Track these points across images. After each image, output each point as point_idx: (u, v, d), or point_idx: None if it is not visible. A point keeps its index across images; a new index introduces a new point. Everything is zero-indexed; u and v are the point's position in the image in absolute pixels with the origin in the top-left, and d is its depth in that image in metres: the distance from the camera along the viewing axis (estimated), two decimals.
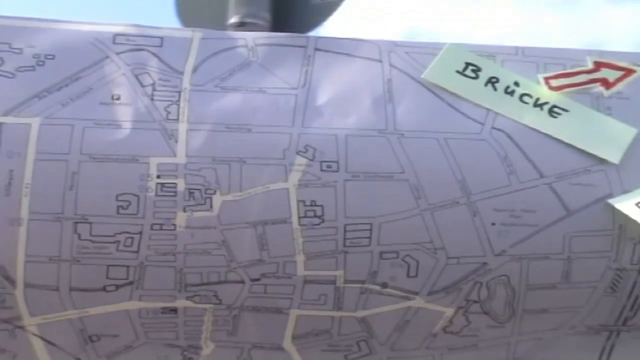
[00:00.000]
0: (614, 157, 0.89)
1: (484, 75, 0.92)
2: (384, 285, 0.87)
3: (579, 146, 0.90)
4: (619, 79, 0.93)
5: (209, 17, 1.73)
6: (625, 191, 0.90)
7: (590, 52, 0.94)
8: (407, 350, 0.92)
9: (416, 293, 0.88)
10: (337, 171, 0.86)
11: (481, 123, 0.90)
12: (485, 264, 0.88)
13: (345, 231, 0.86)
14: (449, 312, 0.90)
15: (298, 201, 0.85)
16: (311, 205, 0.86)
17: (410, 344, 0.92)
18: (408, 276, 0.87)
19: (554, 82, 0.91)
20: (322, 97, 0.90)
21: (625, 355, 0.96)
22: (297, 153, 0.86)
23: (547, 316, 0.92)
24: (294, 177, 0.85)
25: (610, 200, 0.88)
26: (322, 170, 0.86)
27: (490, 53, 0.94)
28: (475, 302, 0.90)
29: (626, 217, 0.86)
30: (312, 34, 1.53)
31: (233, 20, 1.55)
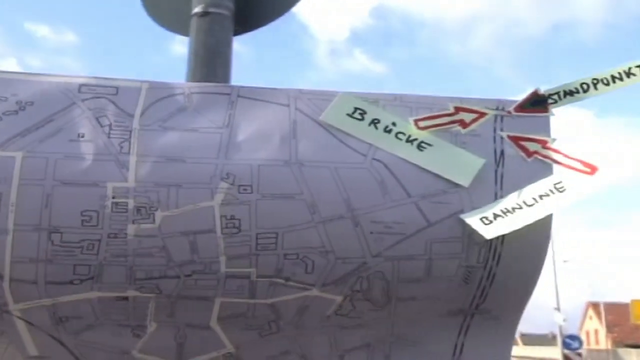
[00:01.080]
0: (465, 181, 1.18)
1: (368, 117, 1.21)
2: (287, 279, 1.16)
3: (439, 173, 1.19)
4: (473, 120, 1.23)
5: (174, 7, 1.77)
6: (474, 208, 1.19)
7: (452, 99, 1.23)
8: (307, 328, 1.20)
9: (312, 285, 1.16)
10: (251, 193, 1.14)
11: (364, 155, 1.18)
12: (365, 263, 1.17)
13: (257, 238, 1.14)
14: (339, 299, 1.18)
15: (221, 216, 1.13)
16: (231, 219, 1.13)
17: (310, 324, 1.20)
18: (306, 272, 1.15)
19: (422, 123, 1.20)
20: (242, 135, 1.18)
21: (478, 332, 1.26)
22: (221, 179, 1.14)
23: (416, 302, 1.21)
24: (218, 198, 1.13)
25: (462, 215, 1.17)
26: (239, 192, 1.14)
27: (375, 99, 1.22)
28: (358, 291, 1.18)
29: (472, 228, 1.15)
30: (280, 20, 1.68)
31: (197, 9, 1.57)
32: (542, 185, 1.20)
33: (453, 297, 1.22)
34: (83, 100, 1.17)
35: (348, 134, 1.20)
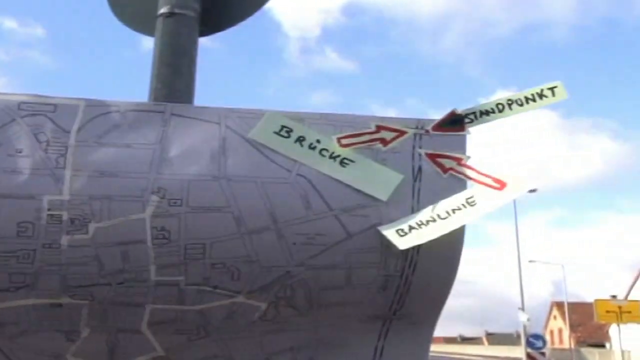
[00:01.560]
0: (384, 196, 1.27)
1: (294, 135, 1.29)
2: (215, 286, 1.23)
3: (360, 188, 1.28)
4: (394, 138, 1.32)
5: (140, 8, 1.78)
6: (391, 220, 1.28)
7: (374, 119, 1.32)
8: (234, 333, 1.29)
9: (238, 292, 1.24)
10: (181, 206, 1.21)
11: (289, 170, 1.27)
12: (288, 271, 1.25)
13: (185, 249, 1.21)
14: (264, 305, 1.26)
15: (152, 227, 1.20)
16: (161, 230, 1.21)
17: (237, 329, 1.28)
18: (232, 280, 1.23)
19: (344, 141, 1.29)
20: (174, 151, 1.25)
21: (396, 336, 1.35)
22: (152, 193, 1.21)
23: (338, 308, 1.30)
24: (149, 210, 1.20)
25: (379, 227, 1.26)
26: (170, 205, 1.21)
27: (301, 118, 1.31)
28: (282, 298, 1.26)
29: (389, 239, 1.24)
30: (251, 17, 1.69)
31: (163, 10, 1.59)
32: (455, 200, 1.30)
33: (372, 303, 1.31)
34: (22, 117, 1.24)
35: (275, 151, 1.28)
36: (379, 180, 1.30)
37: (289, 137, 1.30)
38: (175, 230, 1.21)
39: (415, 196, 1.30)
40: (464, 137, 1.36)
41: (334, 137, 1.30)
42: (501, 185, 1.32)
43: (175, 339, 1.27)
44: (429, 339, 1.37)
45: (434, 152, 1.34)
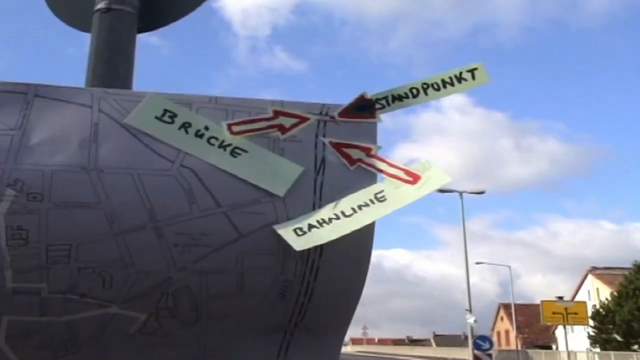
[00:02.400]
0: (281, 191, 1.12)
1: (178, 121, 1.13)
2: (83, 295, 1.06)
3: (252, 181, 1.12)
4: (294, 125, 1.16)
5: (78, 3, 1.74)
6: (289, 219, 1.12)
7: (272, 103, 1.16)
8: (109, 348, 1.11)
9: (112, 301, 1.07)
10: (41, 201, 1.04)
11: (171, 161, 1.10)
12: (170, 277, 1.09)
13: (47, 251, 1.04)
14: (143, 316, 1.10)
15: (6, 226, 1.03)
16: (17, 230, 1.03)
17: (112, 344, 1.11)
18: (104, 287, 1.06)
19: (236, 128, 1.13)
20: (36, 137, 1.07)
21: (299, 351, 1.19)
22: (7, 186, 1.03)
23: (230, 319, 1.14)
24: (3, 207, 1.03)
25: (275, 226, 1.10)
26: (28, 200, 1.04)
27: (188, 101, 1.14)
28: (164, 309, 1.10)
29: (286, 240, 1.08)
30: (200, 15, 1.58)
31: (100, 5, 1.56)
32: (362, 195, 1.15)
33: (269, 313, 1.15)
34: None
35: (155, 139, 1.11)
36: (275, 172, 1.15)
37: (172, 122, 1.13)
38: (34, 230, 1.03)
39: (317, 191, 1.15)
40: (374, 124, 1.22)
41: (225, 124, 1.14)
42: (414, 179, 1.18)
43: (38, 355, 1.09)
44: (336, 352, 1.21)
45: (340, 142, 1.19)
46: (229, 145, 1.17)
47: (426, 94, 1.26)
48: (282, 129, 1.20)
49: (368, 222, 1.14)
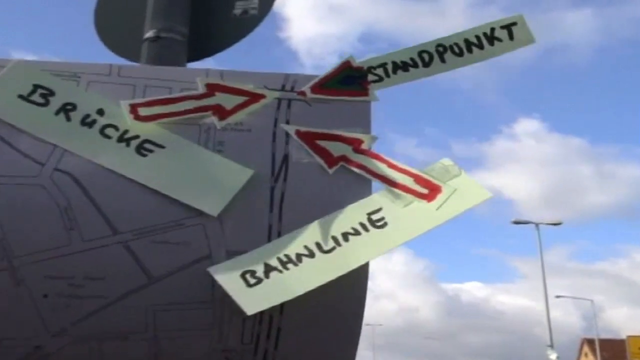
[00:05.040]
0: (214, 207, 0.68)
1: (56, 102, 0.72)
2: None
3: (171, 193, 0.69)
4: (240, 106, 0.73)
5: (127, 32, 1.66)
6: (230, 252, 0.68)
7: (197, 72, 0.73)
8: None
9: None
10: None
11: (41, 163, 0.70)
12: (39, 347, 0.67)
13: None
14: None
15: None
16: None
17: None
18: None
19: (144, 111, 0.71)
20: None
21: None
22: None
23: None
24: None
25: (210, 269, 0.67)
26: None
27: (74, 73, 0.72)
28: None
29: (229, 292, 0.64)
30: (229, 50, 1.59)
31: (149, 34, 1.50)
32: (349, 216, 0.70)
33: None
34: None
35: (19, 129, 0.69)
36: (209, 179, 0.73)
37: (47, 104, 0.73)
38: None
39: (275, 207, 0.72)
40: (367, 105, 0.77)
41: (125, 105, 0.71)
42: (431, 191, 0.73)
43: None
44: None
45: (314, 131, 0.75)
46: (135, 137, 0.75)
47: (443, 60, 0.82)
48: (221, 111, 0.77)
49: (359, 262, 0.74)
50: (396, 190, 0.78)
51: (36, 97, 0.77)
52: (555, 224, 27.10)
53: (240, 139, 0.79)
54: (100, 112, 0.77)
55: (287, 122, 0.80)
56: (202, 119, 0.79)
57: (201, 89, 0.79)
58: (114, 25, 1.73)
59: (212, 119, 0.78)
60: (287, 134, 0.79)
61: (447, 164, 0.80)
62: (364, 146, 0.79)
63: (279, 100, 0.81)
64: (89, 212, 0.74)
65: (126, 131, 0.77)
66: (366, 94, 0.82)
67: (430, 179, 0.78)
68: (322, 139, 0.79)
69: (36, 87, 0.77)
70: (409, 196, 0.77)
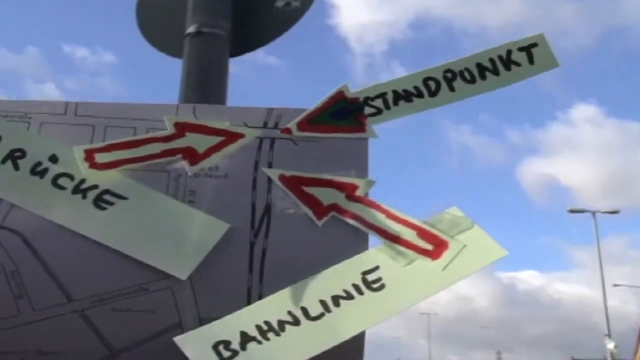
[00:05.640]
0: (184, 269, 0.58)
1: (3, 148, 0.63)
2: None
3: (134, 254, 0.58)
4: (214, 148, 0.62)
5: (169, 27, 1.63)
6: (203, 320, 0.58)
7: (178, 109, 0.62)
8: None
9: None
10: None
11: None
12: None
13: None
14: None
15: None
16: None
17: None
18: None
19: (102, 157, 0.61)
20: None
21: None
22: None
23: None
24: None
25: (177, 339, 0.57)
26: None
27: (25, 113, 0.62)
28: None
29: None
30: (278, 40, 1.55)
31: (190, 30, 1.46)
32: (341, 277, 0.60)
33: None
34: None
35: None
36: (176, 236, 0.61)
37: None
38: None
39: (255, 267, 0.61)
40: (363, 143, 0.66)
41: (81, 150, 0.61)
42: (437, 247, 0.63)
43: None
44: None
45: (301, 175, 0.63)
46: (94, 187, 0.65)
47: (452, 88, 0.70)
48: (192, 155, 0.67)
49: (352, 333, 0.64)
50: (396, 246, 0.67)
51: None
52: (612, 212, 26.58)
53: (215, 186, 0.68)
54: (53, 158, 0.67)
55: (270, 166, 0.69)
56: (170, 164, 0.68)
57: (170, 129, 0.68)
58: (156, 21, 1.69)
59: (182, 164, 0.68)
60: (270, 180, 0.68)
61: (457, 214, 0.68)
62: (359, 192, 0.68)
63: (261, 139, 0.70)
64: (40, 277, 0.64)
65: (83, 180, 0.67)
66: (363, 130, 0.71)
67: (436, 232, 0.67)
68: (311, 184, 0.68)
69: None
70: (411, 253, 0.66)
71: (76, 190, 0.67)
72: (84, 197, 0.67)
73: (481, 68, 0.74)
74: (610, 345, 28.06)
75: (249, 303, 0.66)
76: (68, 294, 0.65)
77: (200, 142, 0.69)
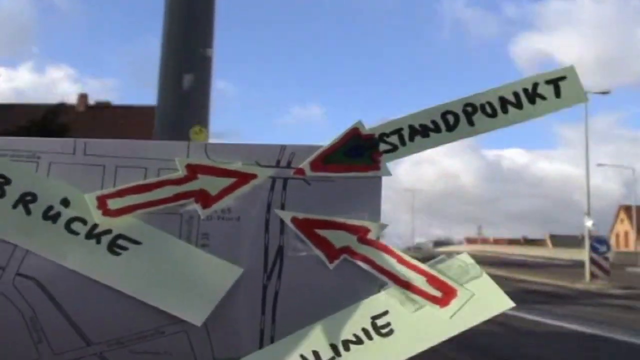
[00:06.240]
0: (197, 314, 0.59)
1: (13, 192, 0.62)
2: None
3: (149, 300, 0.59)
4: (226, 190, 0.61)
5: None
6: None
7: (188, 149, 0.62)
8: None
9: None
10: None
11: (1, 267, 0.59)
12: None
13: None
14: None
15: None
16: None
17: None
18: None
19: (115, 203, 0.60)
20: None
21: None
22: None
23: None
24: None
25: None
26: None
27: (34, 152, 0.61)
28: None
29: None
30: None
31: None
32: (351, 321, 0.61)
33: None
34: None
35: None
36: (190, 281, 0.62)
37: (2, 195, 0.62)
38: None
39: (267, 309, 0.62)
40: (377, 182, 0.65)
41: (94, 197, 0.60)
42: (446, 294, 0.63)
43: None
44: None
45: (313, 218, 0.63)
46: (107, 232, 0.65)
47: (471, 122, 0.68)
48: (205, 198, 0.66)
49: None
50: (406, 291, 0.67)
51: None
52: (603, 93, 26.35)
53: (228, 229, 0.68)
54: (65, 202, 0.67)
55: (283, 207, 0.68)
56: (183, 206, 0.68)
57: (182, 172, 0.67)
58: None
59: (194, 207, 0.67)
60: (282, 222, 0.68)
61: (467, 261, 0.68)
62: (370, 235, 0.68)
63: (273, 179, 0.69)
64: (58, 322, 0.65)
65: (96, 225, 0.66)
66: (377, 168, 0.69)
67: (446, 280, 0.67)
68: (323, 227, 0.68)
69: None
70: (420, 299, 0.67)
71: (90, 235, 0.67)
72: (98, 242, 0.67)
73: (504, 101, 0.72)
74: (589, 223, 28.81)
75: (261, 344, 0.67)
76: (87, 338, 0.66)
77: (212, 184, 0.68)
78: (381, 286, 0.70)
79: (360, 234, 0.69)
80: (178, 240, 0.68)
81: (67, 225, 0.68)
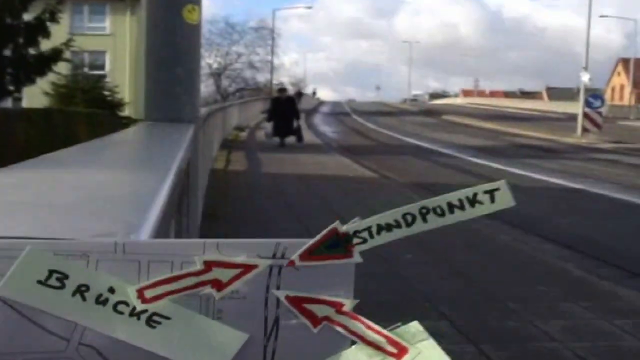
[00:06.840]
0: None
1: (71, 284, 0.82)
2: None
3: (178, 359, 0.81)
4: (235, 278, 0.82)
5: None
6: None
7: (204, 246, 0.81)
8: None
9: None
10: None
11: (67, 339, 0.82)
12: None
13: None
14: None
15: None
16: None
17: None
18: None
19: (150, 293, 0.81)
20: None
21: None
22: None
23: None
24: None
25: None
26: None
27: (83, 252, 0.81)
28: None
29: None
30: None
31: None
32: None
33: None
34: None
35: (42, 311, 0.80)
36: (210, 345, 0.83)
37: (63, 287, 0.83)
38: None
39: None
40: (350, 268, 0.85)
41: (134, 290, 0.81)
42: (400, 351, 0.84)
43: None
44: None
45: (301, 295, 0.84)
46: (144, 311, 0.84)
47: (425, 220, 0.87)
48: (218, 285, 0.87)
49: None
50: (368, 348, 0.88)
51: (53, 282, 0.86)
52: None
53: (237, 306, 0.88)
54: (111, 290, 0.86)
55: (278, 288, 0.88)
56: (202, 290, 0.87)
57: (199, 266, 0.86)
58: None
59: (211, 291, 0.87)
60: (278, 299, 0.88)
61: (418, 329, 0.89)
62: (345, 309, 0.88)
63: (271, 267, 0.88)
64: None
65: (135, 307, 0.86)
66: (351, 256, 0.89)
67: (400, 341, 0.88)
68: (309, 302, 0.88)
69: (51, 272, 0.85)
70: (381, 354, 0.88)
71: (132, 314, 0.87)
72: (138, 319, 0.87)
73: (451, 205, 0.92)
74: (585, 77, 28.80)
75: None
76: None
77: (224, 274, 0.88)
78: (353, 343, 0.92)
79: (337, 307, 0.90)
80: (199, 315, 0.89)
81: (114, 308, 0.88)
